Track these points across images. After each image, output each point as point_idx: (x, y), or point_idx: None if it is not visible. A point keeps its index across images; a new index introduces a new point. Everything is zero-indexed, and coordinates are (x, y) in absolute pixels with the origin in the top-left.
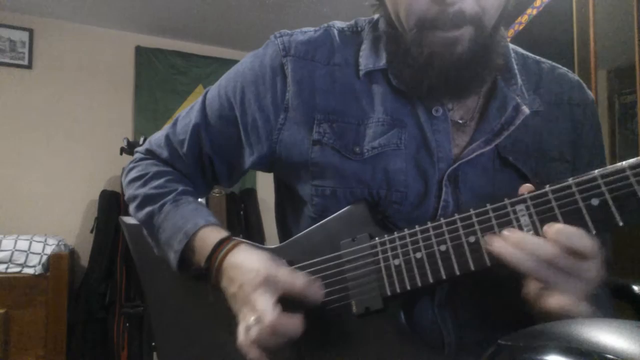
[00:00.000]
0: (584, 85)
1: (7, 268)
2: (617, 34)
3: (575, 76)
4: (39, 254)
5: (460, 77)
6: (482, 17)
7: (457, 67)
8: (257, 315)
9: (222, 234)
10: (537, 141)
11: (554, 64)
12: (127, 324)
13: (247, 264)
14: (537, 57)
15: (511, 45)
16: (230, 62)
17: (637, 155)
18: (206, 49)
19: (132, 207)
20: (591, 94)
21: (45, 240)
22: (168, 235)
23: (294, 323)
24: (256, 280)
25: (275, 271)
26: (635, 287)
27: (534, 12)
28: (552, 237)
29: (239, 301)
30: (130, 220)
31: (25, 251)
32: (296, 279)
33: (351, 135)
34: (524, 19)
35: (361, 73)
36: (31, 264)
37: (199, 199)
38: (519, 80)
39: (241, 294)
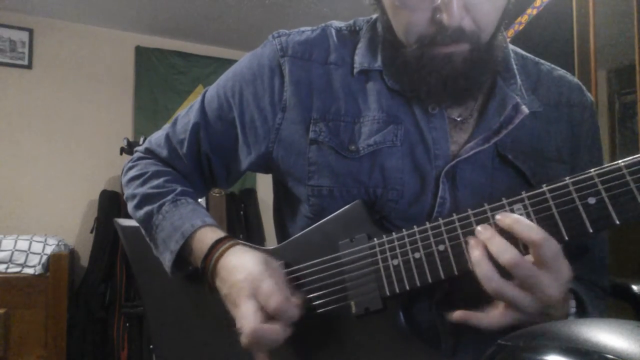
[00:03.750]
0: (583, 87)
1: (7, 268)
2: (617, 34)
3: (574, 78)
4: (39, 254)
5: (457, 84)
6: (479, 35)
7: (454, 76)
8: (241, 320)
9: (218, 234)
10: (535, 141)
11: (552, 65)
12: (127, 324)
13: (240, 266)
14: (537, 59)
15: (511, 46)
16: (230, 62)
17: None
18: (206, 49)
19: (130, 206)
20: (590, 97)
21: (45, 240)
22: (165, 235)
23: (274, 332)
24: (244, 284)
25: (260, 280)
26: (635, 287)
27: (534, 12)
28: (506, 227)
29: (230, 303)
30: (125, 222)
31: (25, 251)
32: (272, 298)
33: (347, 133)
34: (524, 19)
35: (355, 71)
36: (31, 264)
37: (198, 199)
38: (519, 80)
39: (231, 296)
